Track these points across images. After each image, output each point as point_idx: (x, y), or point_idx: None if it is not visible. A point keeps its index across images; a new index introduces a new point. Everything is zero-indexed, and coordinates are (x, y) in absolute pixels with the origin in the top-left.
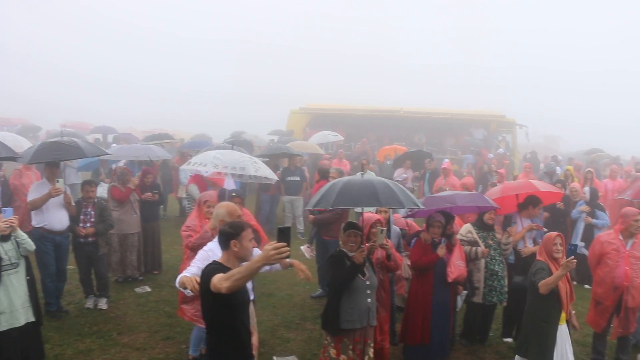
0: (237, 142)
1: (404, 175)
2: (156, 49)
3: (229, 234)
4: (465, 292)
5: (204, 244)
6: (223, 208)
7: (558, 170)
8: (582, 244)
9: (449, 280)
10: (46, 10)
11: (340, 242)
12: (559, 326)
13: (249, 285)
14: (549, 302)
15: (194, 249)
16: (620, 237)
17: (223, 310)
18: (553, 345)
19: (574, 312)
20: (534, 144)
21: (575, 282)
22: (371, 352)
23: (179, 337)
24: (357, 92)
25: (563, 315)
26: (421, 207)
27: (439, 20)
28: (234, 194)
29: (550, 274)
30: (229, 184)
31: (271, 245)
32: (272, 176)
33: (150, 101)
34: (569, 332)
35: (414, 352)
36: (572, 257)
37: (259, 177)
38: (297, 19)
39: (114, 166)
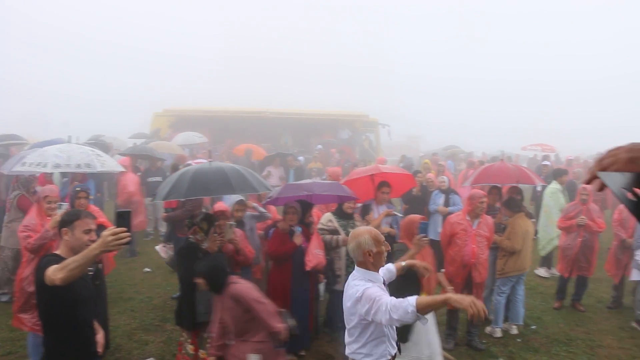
0: (96, 145)
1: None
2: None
3: (62, 222)
4: (325, 280)
5: (45, 244)
6: (367, 234)
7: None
8: None
9: (307, 269)
10: None
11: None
12: None
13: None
14: (405, 281)
15: (34, 251)
16: (468, 218)
17: (62, 306)
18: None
19: (451, 288)
20: (397, 143)
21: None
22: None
23: (22, 351)
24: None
25: (424, 294)
26: (271, 190)
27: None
28: (78, 189)
29: None
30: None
31: (109, 230)
32: (118, 168)
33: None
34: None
35: None
36: (424, 235)
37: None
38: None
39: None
